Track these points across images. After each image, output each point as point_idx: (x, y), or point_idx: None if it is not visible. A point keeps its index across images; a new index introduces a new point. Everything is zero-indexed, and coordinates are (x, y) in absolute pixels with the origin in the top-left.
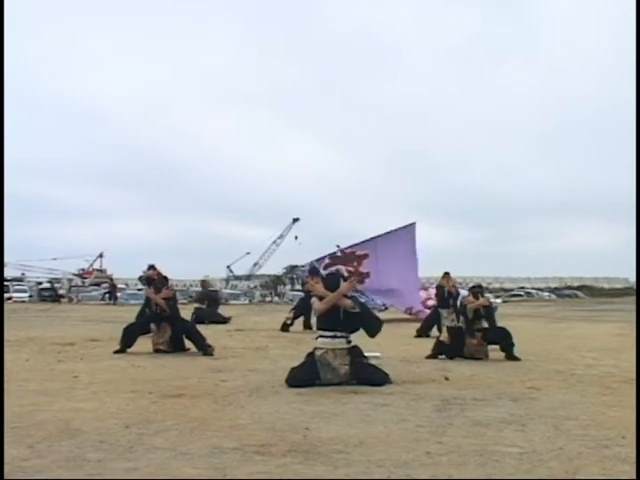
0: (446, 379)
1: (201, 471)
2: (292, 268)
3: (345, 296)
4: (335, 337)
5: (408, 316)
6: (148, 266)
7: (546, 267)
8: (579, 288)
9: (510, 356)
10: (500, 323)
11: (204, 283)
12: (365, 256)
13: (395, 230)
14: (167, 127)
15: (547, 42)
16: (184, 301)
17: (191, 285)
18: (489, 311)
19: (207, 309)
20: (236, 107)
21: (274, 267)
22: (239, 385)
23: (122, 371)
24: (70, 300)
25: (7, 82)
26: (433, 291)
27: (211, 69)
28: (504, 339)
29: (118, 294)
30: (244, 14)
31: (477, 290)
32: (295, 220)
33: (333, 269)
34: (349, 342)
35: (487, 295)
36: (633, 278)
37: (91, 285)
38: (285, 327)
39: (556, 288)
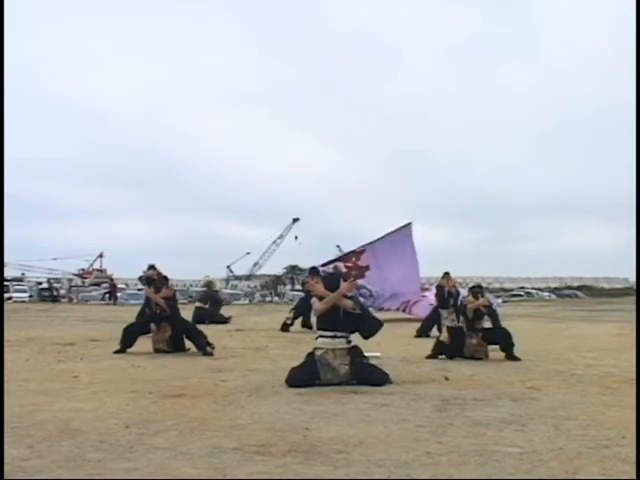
0: (446, 379)
1: (201, 471)
2: (292, 268)
3: (345, 296)
4: (335, 337)
5: (403, 314)
6: (148, 266)
7: (546, 267)
8: (579, 288)
9: (510, 356)
10: (501, 323)
11: (209, 284)
12: (363, 251)
13: (391, 233)
14: (167, 127)
15: (547, 42)
16: (184, 301)
17: (191, 285)
18: (492, 311)
19: (209, 309)
20: (236, 107)
21: (274, 267)
22: (239, 385)
23: (122, 371)
24: (70, 300)
25: (7, 82)
26: (433, 291)
27: (211, 69)
28: (504, 339)
29: (118, 294)
30: (244, 14)
31: (477, 290)
32: (295, 220)
33: (331, 266)
34: (349, 342)
35: (487, 295)
36: (633, 278)
37: (91, 285)
38: (285, 327)
39: (556, 288)
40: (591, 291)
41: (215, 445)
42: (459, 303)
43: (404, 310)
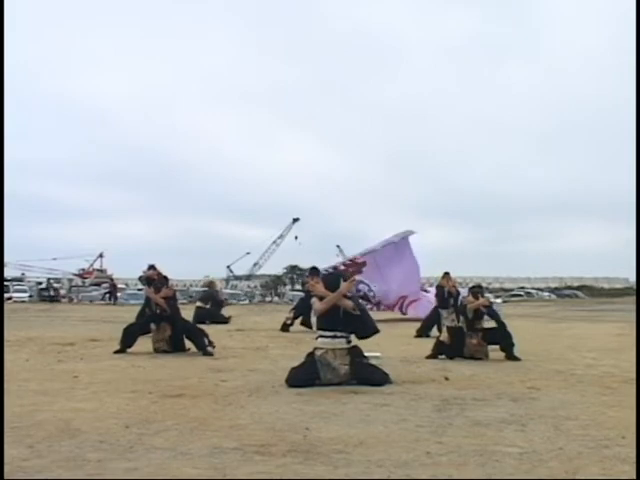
0: (446, 379)
1: (201, 471)
2: (292, 268)
3: (345, 296)
4: (335, 337)
5: (400, 314)
6: (148, 266)
7: (546, 267)
8: (579, 288)
9: (510, 356)
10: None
11: (210, 284)
12: (364, 263)
13: (391, 240)
14: (167, 127)
15: (547, 42)
16: (184, 301)
17: (191, 285)
18: (493, 311)
19: (209, 309)
20: (236, 107)
21: (274, 267)
22: (239, 385)
23: (122, 371)
24: (70, 300)
25: (7, 82)
26: (433, 291)
27: (211, 69)
28: (504, 339)
29: (118, 294)
30: (244, 14)
31: (477, 290)
32: (295, 220)
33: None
34: (349, 342)
35: (487, 295)
36: (633, 278)
37: (91, 285)
38: (285, 327)
39: (556, 288)
40: (591, 291)
41: (215, 445)
42: (459, 303)
43: (400, 308)
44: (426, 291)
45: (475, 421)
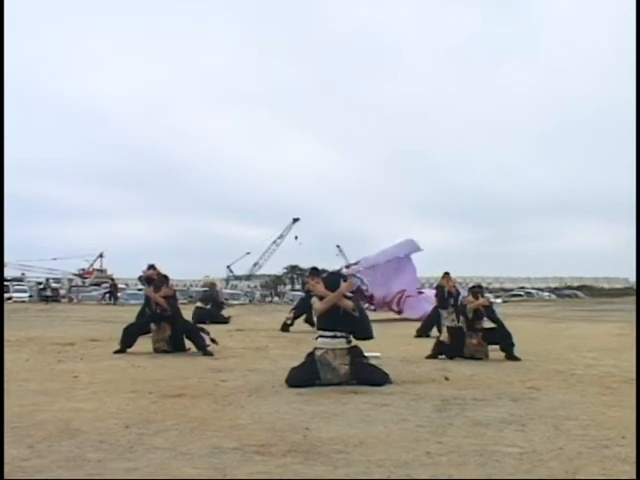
0: (446, 379)
1: (201, 471)
2: (292, 268)
3: (345, 296)
4: (335, 337)
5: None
6: (148, 266)
7: (546, 267)
8: (579, 288)
9: (510, 356)
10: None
11: (212, 285)
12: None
13: (395, 256)
14: (167, 127)
15: (547, 42)
16: (184, 301)
17: (191, 285)
18: (492, 312)
19: (210, 309)
20: (236, 107)
21: (274, 267)
22: (239, 385)
23: (122, 371)
24: (70, 300)
25: (7, 82)
26: (433, 291)
27: (211, 69)
28: (504, 339)
29: (118, 294)
30: (244, 14)
31: (477, 290)
32: (295, 220)
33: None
34: (349, 342)
35: (487, 295)
36: (633, 278)
37: (91, 285)
38: (285, 327)
39: (556, 288)
40: (591, 291)
41: (215, 445)
42: (459, 303)
43: (398, 303)
44: (421, 292)
45: (475, 421)
